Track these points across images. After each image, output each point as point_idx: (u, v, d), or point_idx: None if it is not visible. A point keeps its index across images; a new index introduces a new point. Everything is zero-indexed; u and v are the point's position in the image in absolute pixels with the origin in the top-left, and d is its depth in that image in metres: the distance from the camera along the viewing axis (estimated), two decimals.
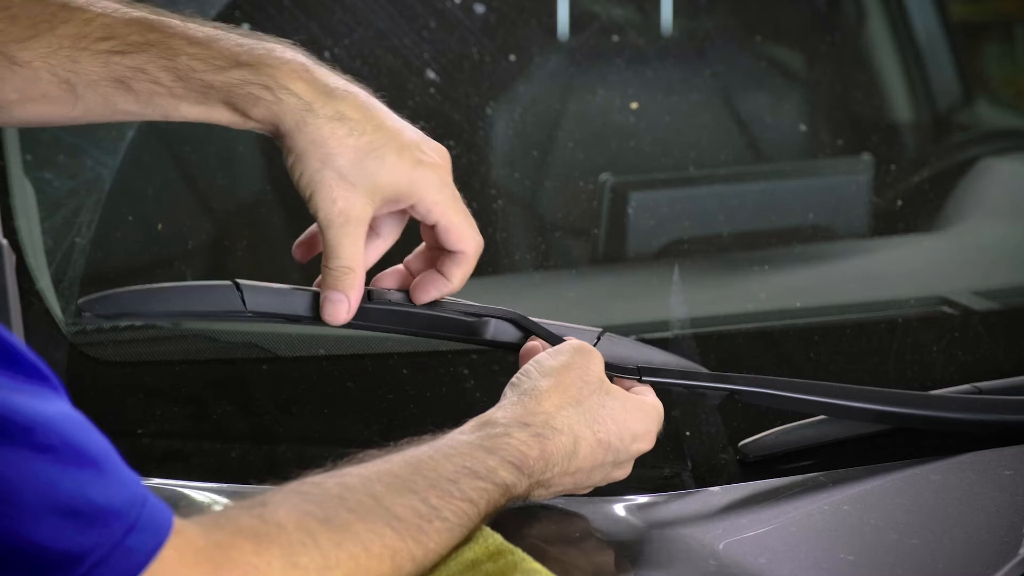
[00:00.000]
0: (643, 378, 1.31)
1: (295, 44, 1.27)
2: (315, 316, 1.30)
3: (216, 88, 1.23)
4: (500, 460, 1.16)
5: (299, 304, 1.30)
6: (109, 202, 1.75)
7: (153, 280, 1.28)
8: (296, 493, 1.08)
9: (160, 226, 1.52)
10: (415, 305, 1.32)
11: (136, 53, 1.23)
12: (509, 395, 1.23)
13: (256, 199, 1.99)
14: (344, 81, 1.26)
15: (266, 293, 1.30)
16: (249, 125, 1.25)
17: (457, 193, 1.29)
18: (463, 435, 1.18)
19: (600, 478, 1.25)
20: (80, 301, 1.28)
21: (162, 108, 1.25)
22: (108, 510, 0.96)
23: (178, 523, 1.00)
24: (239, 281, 1.29)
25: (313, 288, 1.31)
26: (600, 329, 1.36)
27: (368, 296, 1.30)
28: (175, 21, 1.25)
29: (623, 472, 1.27)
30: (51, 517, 0.94)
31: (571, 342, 1.29)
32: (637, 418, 1.26)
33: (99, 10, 1.24)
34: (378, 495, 1.09)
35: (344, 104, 1.24)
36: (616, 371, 1.31)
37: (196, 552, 0.99)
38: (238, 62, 1.23)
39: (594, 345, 1.34)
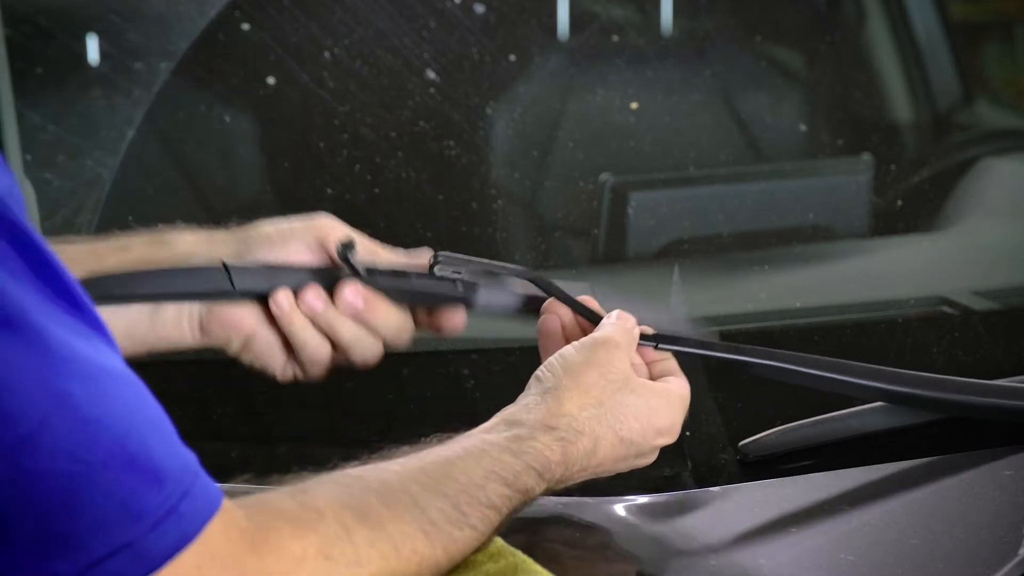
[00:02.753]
0: (660, 345, 1.29)
1: None
2: None
3: None
4: (525, 465, 1.15)
5: (288, 282, 1.29)
6: (109, 202, 1.75)
7: None
8: (336, 484, 1.08)
9: (160, 226, 1.51)
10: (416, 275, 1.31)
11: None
12: (533, 390, 1.21)
13: (256, 199, 1.98)
14: None
15: (254, 273, 1.29)
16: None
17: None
18: (490, 434, 1.17)
19: (624, 467, 1.24)
20: None
21: None
22: (167, 472, 0.95)
23: (224, 500, 0.99)
24: (227, 262, 1.29)
25: (300, 265, 1.31)
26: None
27: (368, 272, 1.29)
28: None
29: (647, 460, 1.25)
30: (118, 467, 0.93)
31: (596, 336, 1.26)
32: (662, 414, 1.23)
33: None
34: (414, 494, 1.09)
35: None
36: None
37: (240, 530, 0.99)
38: None
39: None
